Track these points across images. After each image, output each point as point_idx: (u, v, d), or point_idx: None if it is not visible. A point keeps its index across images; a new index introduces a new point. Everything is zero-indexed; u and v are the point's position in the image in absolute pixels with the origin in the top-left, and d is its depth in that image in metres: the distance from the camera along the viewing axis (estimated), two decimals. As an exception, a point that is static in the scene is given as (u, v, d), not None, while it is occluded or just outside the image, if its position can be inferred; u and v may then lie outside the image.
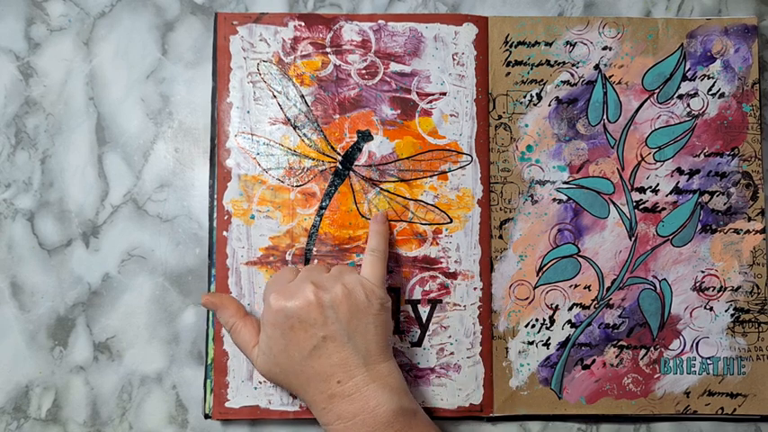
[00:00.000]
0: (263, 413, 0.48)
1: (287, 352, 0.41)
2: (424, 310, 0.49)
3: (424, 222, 0.49)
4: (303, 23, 0.49)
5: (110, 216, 0.50)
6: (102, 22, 0.51)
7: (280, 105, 0.49)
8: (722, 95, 0.50)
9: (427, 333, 0.48)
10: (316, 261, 0.48)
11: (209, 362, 0.48)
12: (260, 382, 0.48)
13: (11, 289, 0.49)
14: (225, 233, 0.48)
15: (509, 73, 0.50)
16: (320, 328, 0.41)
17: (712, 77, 0.50)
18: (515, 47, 0.50)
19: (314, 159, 0.49)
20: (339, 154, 0.49)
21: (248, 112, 0.49)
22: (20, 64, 0.51)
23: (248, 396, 0.48)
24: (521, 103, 0.50)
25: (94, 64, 0.51)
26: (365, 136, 0.49)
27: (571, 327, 0.49)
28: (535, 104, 0.50)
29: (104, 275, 0.50)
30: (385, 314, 0.43)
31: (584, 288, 0.49)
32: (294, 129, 0.49)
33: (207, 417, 0.48)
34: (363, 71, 0.49)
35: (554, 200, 0.50)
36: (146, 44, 0.51)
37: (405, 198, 0.49)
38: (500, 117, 0.50)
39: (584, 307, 0.49)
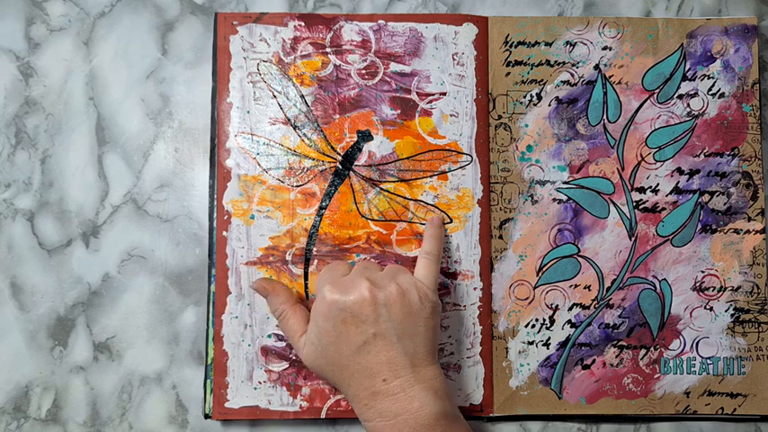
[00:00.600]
0: (263, 413, 0.47)
1: (336, 345, 0.41)
2: None
3: (424, 222, 0.49)
4: (303, 23, 0.49)
5: (110, 216, 0.50)
6: (102, 22, 0.51)
7: (280, 105, 0.49)
8: (722, 95, 0.50)
9: None
10: (316, 261, 0.48)
11: (209, 362, 0.48)
12: (260, 382, 0.48)
13: (11, 289, 0.49)
14: (225, 233, 0.48)
15: (509, 73, 0.50)
16: (372, 324, 0.41)
17: (712, 77, 0.50)
18: (515, 47, 0.50)
19: (314, 159, 0.49)
20: (339, 154, 0.49)
21: (248, 112, 0.49)
22: (20, 64, 0.51)
23: (248, 396, 0.47)
24: (521, 103, 0.50)
25: (94, 64, 0.51)
26: (365, 136, 0.49)
27: (571, 327, 0.49)
28: (535, 104, 0.50)
29: (104, 275, 0.50)
30: (435, 318, 0.43)
31: (585, 288, 0.49)
32: (294, 129, 0.49)
33: (207, 417, 0.48)
34: (363, 71, 0.49)
35: (554, 200, 0.50)
36: (146, 44, 0.51)
37: (405, 198, 0.49)
38: (500, 117, 0.50)
39: (584, 307, 0.49)
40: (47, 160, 0.50)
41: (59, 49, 0.51)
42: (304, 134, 0.49)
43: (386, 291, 0.41)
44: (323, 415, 0.48)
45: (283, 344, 0.48)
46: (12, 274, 0.49)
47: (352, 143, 0.49)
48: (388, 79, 0.49)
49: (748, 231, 0.50)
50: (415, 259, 0.48)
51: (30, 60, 0.51)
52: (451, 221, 0.49)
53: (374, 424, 0.41)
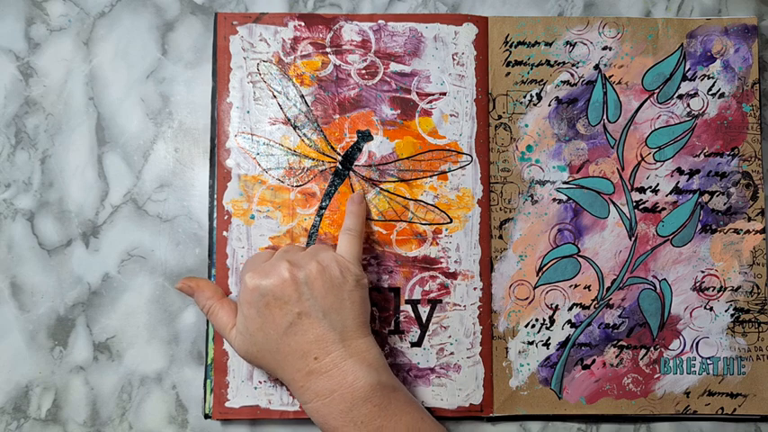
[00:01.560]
0: (263, 413, 0.47)
1: (263, 330, 0.41)
2: (423, 310, 0.48)
3: (423, 222, 0.49)
4: (303, 23, 0.49)
5: (110, 216, 0.50)
6: (102, 22, 0.51)
7: (280, 105, 0.49)
8: (722, 95, 0.50)
9: (427, 333, 0.48)
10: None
11: (209, 362, 0.47)
12: (260, 382, 0.47)
13: (11, 289, 0.49)
14: (225, 233, 0.48)
15: (509, 73, 0.50)
16: (295, 304, 0.41)
17: (712, 77, 0.50)
18: (515, 47, 0.50)
19: (314, 159, 0.48)
20: (339, 154, 0.49)
21: (248, 112, 0.48)
22: (20, 64, 0.50)
23: (248, 396, 0.47)
24: (521, 103, 0.50)
25: (94, 64, 0.51)
26: (365, 136, 0.49)
27: (571, 327, 0.49)
28: (535, 104, 0.50)
29: (104, 275, 0.49)
30: (360, 290, 0.43)
31: (584, 288, 0.49)
32: (294, 129, 0.48)
33: (207, 417, 0.47)
34: (363, 71, 0.49)
35: (554, 200, 0.49)
36: (146, 44, 0.51)
37: (405, 198, 0.49)
38: (500, 117, 0.50)
39: (584, 307, 0.49)
40: (47, 160, 0.50)
41: (59, 49, 0.51)
42: (304, 134, 0.49)
43: (306, 269, 0.41)
44: None
45: None
46: (12, 274, 0.49)
47: (352, 143, 0.49)
48: (388, 79, 0.49)
49: (748, 231, 0.50)
50: (414, 259, 0.48)
51: (30, 60, 0.50)
52: (451, 221, 0.49)
53: (312, 405, 0.41)
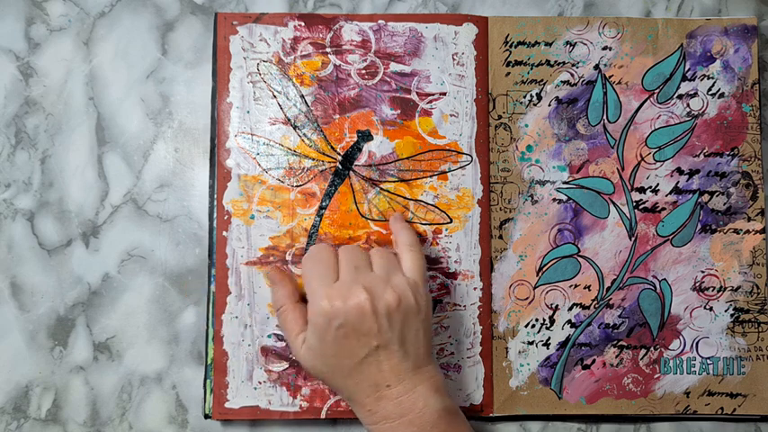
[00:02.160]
0: (263, 413, 0.47)
1: (337, 357, 0.40)
2: None
3: (424, 222, 0.48)
4: (303, 23, 0.49)
5: (110, 216, 0.50)
6: (102, 22, 0.51)
7: (280, 105, 0.48)
8: (722, 95, 0.50)
9: None
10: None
11: (208, 362, 0.47)
12: (260, 382, 0.47)
13: (11, 289, 0.49)
14: (225, 233, 0.48)
15: (509, 73, 0.50)
16: (374, 337, 0.40)
17: (712, 78, 0.50)
18: (515, 47, 0.50)
19: (314, 159, 0.48)
20: (339, 154, 0.48)
21: (248, 112, 0.48)
22: (20, 64, 0.50)
23: (248, 396, 0.47)
24: (521, 103, 0.49)
25: (94, 64, 0.50)
26: (365, 136, 0.48)
27: (571, 327, 0.49)
28: (535, 104, 0.49)
29: (104, 275, 0.49)
30: (430, 316, 0.43)
31: (584, 288, 0.49)
32: (294, 129, 0.48)
33: (207, 417, 0.47)
34: (363, 71, 0.49)
35: (554, 200, 0.49)
36: (146, 44, 0.50)
37: (405, 198, 0.48)
38: (500, 117, 0.49)
39: (584, 307, 0.49)
40: (47, 160, 0.50)
41: (59, 49, 0.50)
42: (304, 134, 0.48)
43: (384, 299, 0.40)
44: (323, 415, 0.47)
45: (283, 344, 0.48)
46: (12, 274, 0.49)
47: (352, 143, 0.48)
48: (388, 79, 0.49)
49: (748, 231, 0.49)
50: None
51: (30, 60, 0.50)
52: (451, 221, 0.49)
53: (379, 427, 0.40)
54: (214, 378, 0.47)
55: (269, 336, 0.48)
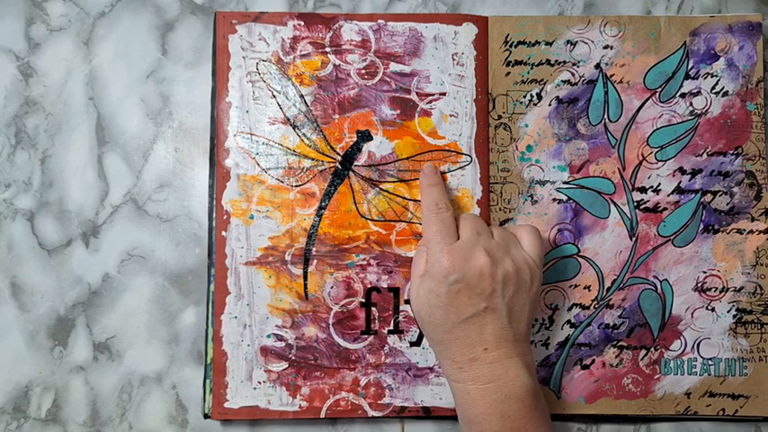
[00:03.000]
0: (262, 413, 0.46)
1: (445, 309, 0.40)
2: None
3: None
4: (302, 23, 0.47)
5: (110, 216, 0.48)
6: (102, 22, 0.49)
7: (279, 105, 0.47)
8: (726, 94, 0.48)
9: None
10: (315, 262, 0.46)
11: (208, 362, 0.46)
12: (259, 382, 0.46)
13: (11, 289, 0.48)
14: (224, 233, 0.46)
15: (509, 73, 0.48)
16: (485, 299, 0.40)
17: (716, 76, 0.48)
18: (515, 46, 0.48)
19: (313, 159, 0.47)
20: (339, 154, 0.47)
21: (247, 111, 0.47)
22: (20, 64, 0.49)
23: (247, 396, 0.46)
24: (521, 102, 0.48)
25: (94, 64, 0.49)
26: (365, 136, 0.47)
27: (570, 327, 0.47)
28: (535, 104, 0.48)
29: (104, 275, 0.48)
30: (539, 295, 0.44)
31: (584, 288, 0.47)
32: (293, 128, 0.47)
33: (206, 417, 0.46)
34: (363, 71, 0.47)
35: (554, 200, 0.48)
36: (146, 44, 0.49)
37: (404, 198, 0.47)
38: (500, 117, 0.48)
39: (583, 307, 0.47)
40: (47, 160, 0.48)
41: (59, 49, 0.49)
42: (303, 134, 0.47)
43: (503, 266, 0.41)
44: (322, 414, 0.46)
45: (282, 344, 0.46)
46: (12, 274, 0.48)
47: (351, 143, 0.47)
48: (388, 79, 0.47)
49: (751, 231, 0.47)
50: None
51: (30, 60, 0.49)
52: (452, 221, 0.47)
53: (465, 386, 0.40)
54: (213, 378, 0.46)
55: (268, 336, 0.46)
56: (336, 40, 0.47)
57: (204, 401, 0.46)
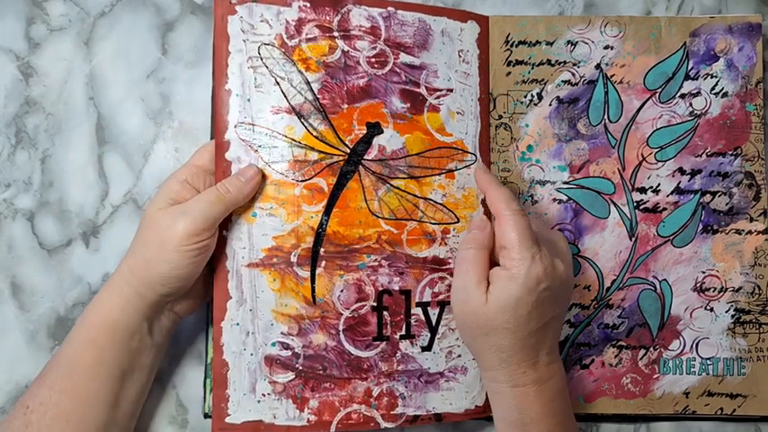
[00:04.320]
0: (267, 429, 0.40)
1: (528, 317, 0.38)
2: (433, 313, 0.43)
3: (433, 222, 0.43)
4: (308, 4, 0.42)
5: (110, 216, 0.46)
6: (102, 22, 0.47)
7: (283, 92, 0.41)
8: (725, 95, 0.46)
9: (437, 336, 0.43)
10: (324, 263, 0.41)
11: (208, 361, 0.43)
12: (263, 395, 0.41)
13: (11, 289, 0.46)
14: (224, 233, 0.41)
15: (509, 73, 0.46)
16: (559, 305, 0.40)
17: (715, 76, 0.46)
18: (516, 46, 0.46)
19: (321, 152, 0.42)
20: (348, 146, 0.42)
21: (249, 100, 0.41)
22: (20, 64, 0.47)
23: (251, 410, 0.40)
24: (521, 102, 0.46)
25: (94, 64, 0.47)
26: (375, 129, 0.42)
27: (570, 326, 0.46)
28: (536, 104, 0.46)
29: (104, 275, 0.46)
30: None
31: (584, 288, 0.46)
32: (299, 118, 0.41)
33: (207, 416, 0.43)
34: (373, 59, 0.43)
35: (554, 200, 0.46)
36: (146, 44, 0.47)
37: (415, 196, 0.43)
38: (500, 117, 0.46)
39: (583, 307, 0.46)
40: (47, 160, 0.46)
41: (59, 49, 0.47)
42: (310, 124, 0.42)
43: (569, 273, 0.41)
44: (333, 429, 0.41)
45: (289, 353, 0.41)
46: (12, 274, 0.46)
47: (361, 136, 0.42)
48: (398, 70, 0.43)
49: (750, 232, 0.46)
50: (424, 260, 0.43)
51: (30, 60, 0.47)
52: (458, 221, 0.44)
53: (526, 389, 0.39)
54: (214, 390, 0.41)
55: (273, 344, 0.41)
56: (345, 25, 0.42)
57: (204, 401, 0.43)
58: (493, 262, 0.40)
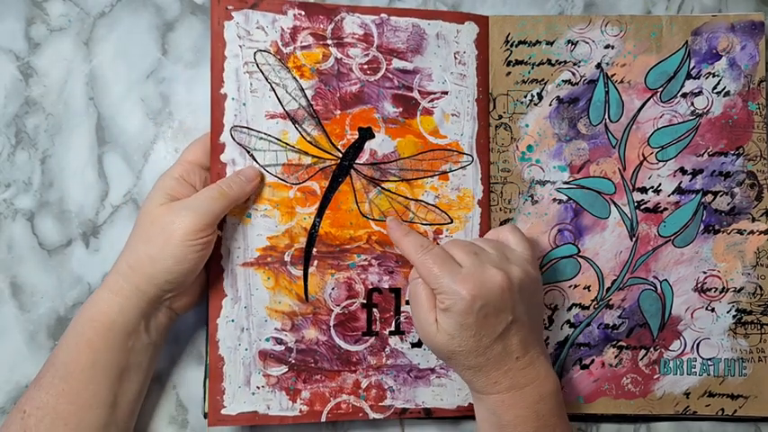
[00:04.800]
0: (261, 419, 0.42)
1: (476, 336, 0.38)
2: None
3: (424, 223, 0.44)
4: (303, 12, 0.43)
5: (110, 216, 0.46)
6: (102, 22, 0.47)
7: (278, 98, 0.43)
8: (727, 94, 0.45)
9: None
10: (316, 262, 0.43)
11: (208, 361, 0.43)
12: (258, 387, 0.42)
13: (11, 289, 0.45)
14: (220, 232, 0.42)
15: (509, 72, 0.45)
16: (510, 311, 0.38)
17: (717, 75, 0.45)
18: (516, 46, 0.45)
19: (314, 156, 0.43)
20: (340, 151, 0.43)
21: (244, 104, 0.42)
22: (20, 64, 0.46)
23: (246, 402, 0.42)
24: (521, 102, 0.45)
25: (94, 64, 0.47)
26: (367, 133, 0.43)
27: (570, 327, 0.45)
28: (536, 104, 0.45)
29: (104, 275, 0.44)
30: (542, 290, 0.43)
31: (584, 288, 0.45)
32: (293, 123, 0.43)
33: (206, 416, 0.43)
34: (365, 66, 0.43)
35: (554, 200, 0.45)
36: (146, 44, 0.47)
37: (406, 198, 0.44)
38: (500, 117, 0.45)
39: (583, 307, 0.45)
40: (47, 160, 0.46)
41: (59, 49, 0.46)
42: (304, 129, 0.43)
43: (514, 275, 0.39)
44: (323, 419, 0.43)
45: (282, 347, 0.43)
46: (12, 274, 0.45)
47: (353, 140, 0.43)
48: (391, 76, 0.44)
49: (752, 232, 0.45)
50: None
51: (30, 60, 0.46)
52: (452, 222, 0.44)
53: (501, 396, 0.39)
54: (210, 384, 0.42)
55: (267, 339, 0.42)
56: (338, 33, 0.43)
57: (204, 401, 0.43)
58: None
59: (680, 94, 0.45)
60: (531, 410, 0.38)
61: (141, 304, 0.39)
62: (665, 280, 0.45)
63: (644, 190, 0.45)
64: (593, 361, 0.45)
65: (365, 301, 0.43)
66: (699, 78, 0.45)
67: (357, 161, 0.43)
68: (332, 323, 0.43)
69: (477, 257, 0.39)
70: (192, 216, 0.38)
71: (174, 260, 0.38)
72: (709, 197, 0.45)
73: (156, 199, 0.40)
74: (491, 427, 0.39)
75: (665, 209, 0.45)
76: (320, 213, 0.43)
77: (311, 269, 0.43)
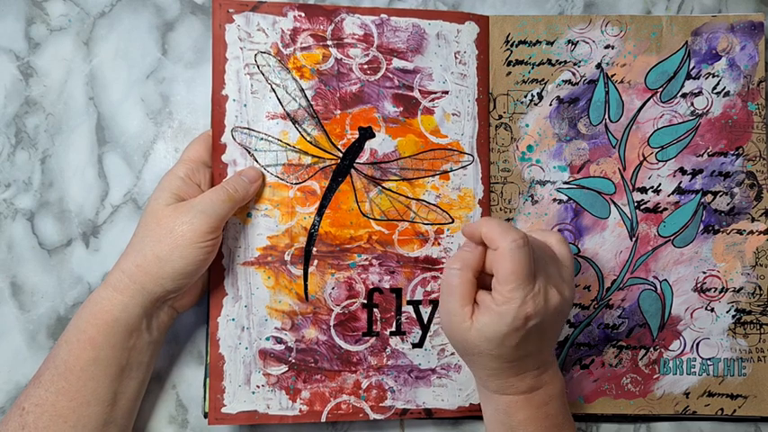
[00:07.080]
0: (261, 418, 0.42)
1: (516, 347, 0.37)
2: (425, 311, 0.43)
3: (425, 222, 0.44)
4: (303, 14, 0.43)
5: (110, 216, 0.46)
6: (102, 22, 0.47)
7: (278, 99, 0.43)
8: (727, 94, 0.45)
9: (428, 334, 0.43)
10: (316, 262, 0.43)
11: (208, 361, 0.42)
12: (258, 386, 0.42)
13: (11, 289, 0.45)
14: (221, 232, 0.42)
15: (510, 72, 0.45)
16: (553, 330, 0.39)
17: (717, 76, 0.45)
18: (516, 46, 0.45)
19: (314, 156, 0.43)
20: (340, 151, 0.43)
21: (245, 105, 0.42)
22: (20, 64, 0.46)
23: (246, 401, 0.42)
24: (521, 102, 0.45)
25: (94, 64, 0.46)
26: (367, 133, 0.43)
27: (570, 327, 0.45)
28: (536, 104, 0.45)
29: (104, 275, 0.45)
30: None
31: (584, 288, 0.45)
32: (294, 124, 0.43)
33: (207, 416, 0.43)
34: (365, 66, 0.43)
35: (554, 200, 0.45)
36: (146, 44, 0.46)
37: (407, 197, 0.43)
38: (500, 117, 0.45)
39: (583, 307, 0.45)
40: (47, 160, 0.46)
41: (59, 49, 0.46)
42: (304, 130, 0.43)
43: (566, 295, 0.38)
44: (323, 419, 0.42)
45: (282, 347, 0.42)
46: (12, 274, 0.45)
47: (353, 140, 0.43)
48: (391, 75, 0.43)
49: (752, 232, 0.45)
50: (416, 260, 0.43)
51: (30, 60, 0.46)
52: (453, 221, 0.44)
53: (514, 398, 0.39)
54: (210, 383, 0.42)
55: (267, 338, 0.42)
56: (338, 34, 0.43)
57: (204, 401, 0.43)
58: (481, 282, 0.38)
59: (680, 94, 0.45)
60: (541, 411, 0.38)
61: (145, 303, 0.39)
62: (665, 280, 0.45)
63: (644, 190, 0.45)
64: (593, 361, 0.44)
65: (366, 301, 0.43)
66: (699, 78, 0.45)
67: (357, 161, 0.43)
68: (332, 323, 0.43)
69: (545, 272, 0.37)
70: (203, 218, 0.38)
71: (184, 261, 0.38)
72: (708, 197, 0.45)
73: (162, 199, 0.39)
74: (501, 427, 0.39)
75: (665, 209, 0.45)
76: (320, 213, 0.43)
77: (311, 269, 0.43)
